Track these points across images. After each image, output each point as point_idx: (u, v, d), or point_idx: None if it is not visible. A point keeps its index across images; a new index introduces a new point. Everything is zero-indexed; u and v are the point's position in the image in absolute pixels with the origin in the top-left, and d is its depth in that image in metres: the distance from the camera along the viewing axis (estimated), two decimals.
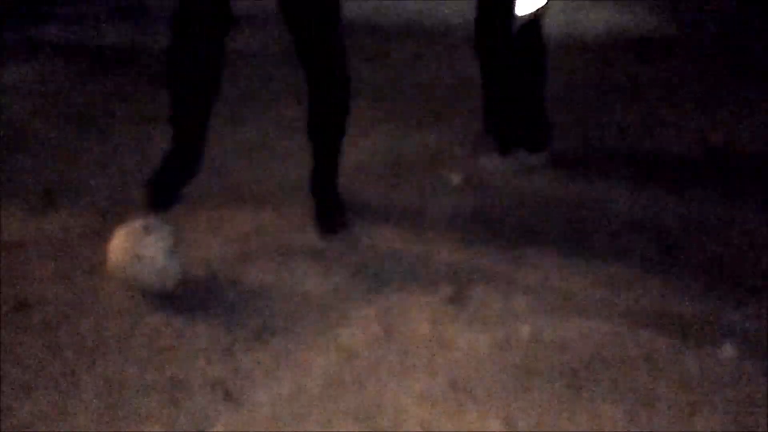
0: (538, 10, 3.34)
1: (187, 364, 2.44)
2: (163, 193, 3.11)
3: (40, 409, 2.27)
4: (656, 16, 6.19)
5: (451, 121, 4.15)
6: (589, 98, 4.52)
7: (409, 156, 3.80)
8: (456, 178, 3.55)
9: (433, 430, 2.17)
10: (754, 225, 3.17)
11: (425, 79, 4.84)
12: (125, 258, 2.71)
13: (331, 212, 3.11)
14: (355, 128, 4.08)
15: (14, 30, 6.34)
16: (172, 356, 2.48)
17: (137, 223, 2.76)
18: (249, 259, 2.98)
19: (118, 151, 3.93)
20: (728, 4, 6.41)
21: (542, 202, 3.36)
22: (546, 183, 3.52)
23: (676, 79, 4.75)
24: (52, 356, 2.50)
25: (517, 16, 3.34)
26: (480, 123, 3.78)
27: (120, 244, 2.73)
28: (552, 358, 2.46)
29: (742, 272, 2.86)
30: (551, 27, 5.89)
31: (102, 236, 3.06)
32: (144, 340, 2.56)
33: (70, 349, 2.53)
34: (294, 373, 2.40)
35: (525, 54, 3.47)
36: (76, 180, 3.63)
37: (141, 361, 2.46)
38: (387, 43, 5.58)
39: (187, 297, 2.77)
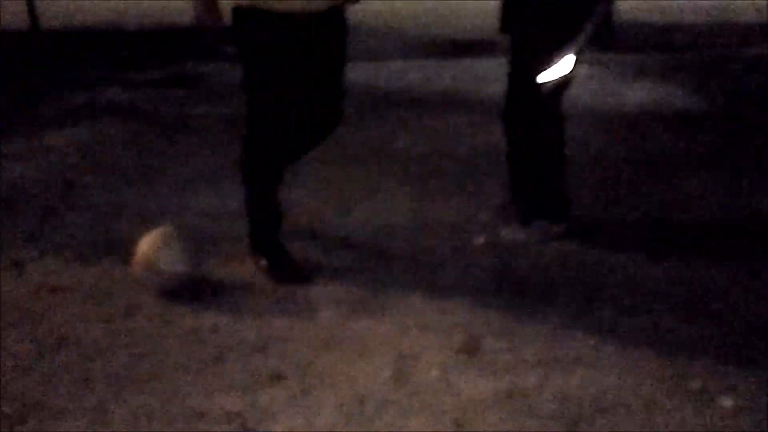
0: (561, 78, 3.48)
1: (209, 398, 2.60)
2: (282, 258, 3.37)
3: None
4: (692, 92, 6.33)
5: (477, 188, 4.32)
6: (620, 168, 4.64)
7: (434, 219, 3.96)
8: (478, 241, 3.70)
9: None
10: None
11: (454, 148, 5.03)
12: (151, 246, 3.19)
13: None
14: (384, 191, 4.31)
15: (79, 92, 6.73)
16: (194, 390, 2.64)
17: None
18: (271, 302, 3.15)
19: (161, 207, 4.16)
20: (761, 81, 6.55)
21: (560, 265, 3.47)
22: (565, 248, 3.63)
23: (706, 153, 4.86)
24: (84, 387, 2.67)
25: (542, 85, 3.48)
26: (504, 192, 3.94)
27: (148, 239, 3.22)
28: (554, 406, 2.56)
29: (745, 329, 2.94)
30: (593, 100, 6.14)
31: (140, 285, 3.27)
32: (170, 376, 2.72)
33: (102, 382, 2.70)
34: (308, 411, 2.54)
35: (547, 125, 3.62)
36: (120, 232, 3.86)
37: (166, 394, 2.62)
38: (421, 113, 5.82)
39: (212, 338, 2.94)
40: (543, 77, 3.46)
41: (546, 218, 3.71)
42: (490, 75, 6.92)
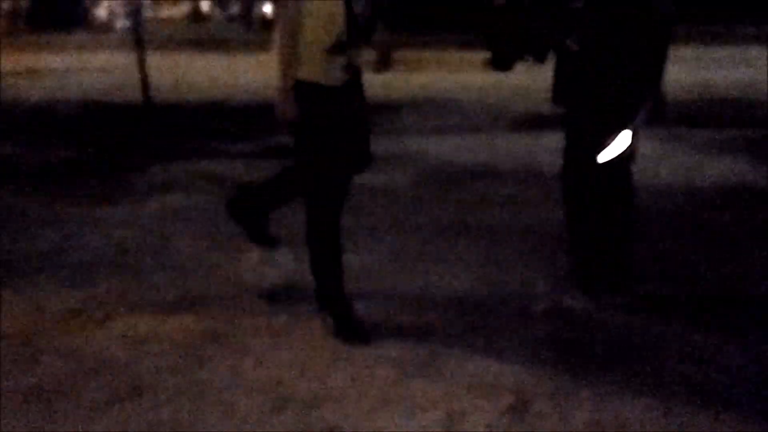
0: (622, 153, 3.57)
1: None
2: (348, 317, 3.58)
3: None
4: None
5: (545, 258, 4.42)
6: (692, 242, 4.67)
7: (498, 286, 4.08)
8: (537, 308, 3.80)
9: None
10: None
11: (526, 218, 5.15)
12: None
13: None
14: (454, 259, 4.45)
15: (179, 162, 7.13)
16: None
17: None
18: (335, 359, 3.31)
19: (242, 268, 4.40)
20: None
21: (617, 335, 3.52)
22: (625, 319, 3.68)
23: None
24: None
25: (601, 160, 3.58)
26: (566, 263, 4.03)
27: None
28: None
29: None
30: (673, 176, 6.18)
31: (219, 338, 3.50)
32: (232, 424, 2.89)
33: (168, 426, 2.89)
34: None
35: (612, 198, 3.70)
36: (202, 290, 4.10)
37: None
38: (497, 185, 5.98)
39: (276, 389, 3.11)
40: (603, 155, 3.55)
41: (610, 289, 3.76)
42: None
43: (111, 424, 2.91)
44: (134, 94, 10.21)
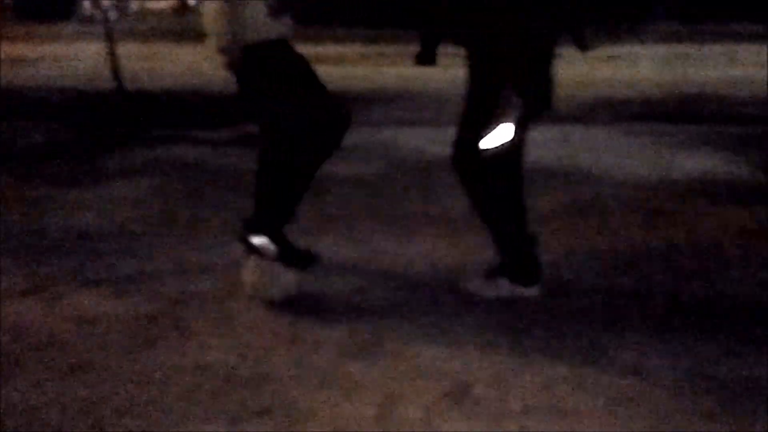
0: (503, 144, 3.56)
1: (198, 427, 2.75)
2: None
3: None
4: (743, 163, 6.35)
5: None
6: (653, 237, 4.69)
7: (452, 275, 4.07)
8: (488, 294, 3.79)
9: None
10: None
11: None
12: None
13: None
14: (420, 244, 4.45)
15: (149, 148, 7.11)
16: (187, 420, 2.78)
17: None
18: (277, 341, 3.30)
19: (201, 255, 4.39)
20: None
21: (565, 322, 3.52)
22: (579, 306, 3.69)
23: (743, 224, 4.87)
24: (87, 411, 2.86)
25: (482, 147, 3.58)
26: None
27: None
28: None
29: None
30: (641, 169, 6.20)
31: (165, 319, 3.49)
32: (169, 405, 2.88)
33: (106, 406, 2.88)
34: None
35: (497, 188, 3.69)
36: (153, 273, 4.10)
37: (160, 422, 2.78)
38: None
39: (217, 372, 3.10)
40: (484, 143, 3.58)
41: (510, 279, 3.75)
42: (537, 142, 7.03)
43: (50, 398, 2.90)
44: (110, 83, 10.19)
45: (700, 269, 4.19)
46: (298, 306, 3.69)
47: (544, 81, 3.66)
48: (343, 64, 13.44)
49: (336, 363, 3.15)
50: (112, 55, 10.11)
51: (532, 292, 3.75)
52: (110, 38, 10.27)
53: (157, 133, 7.90)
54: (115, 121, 8.51)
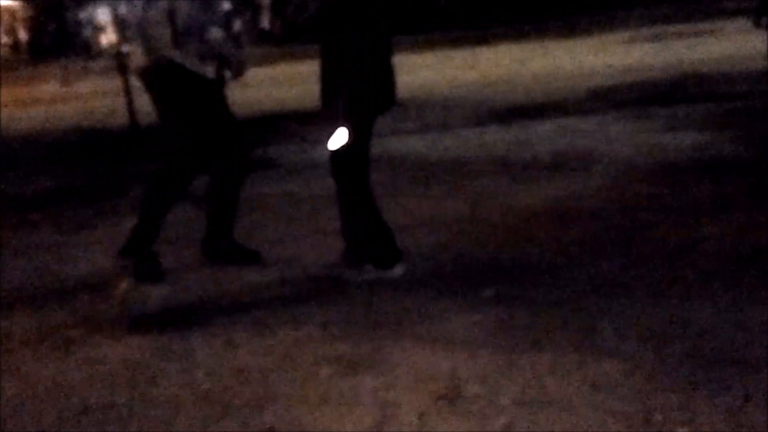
0: (348, 143, 3.97)
1: None
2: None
3: None
4: (733, 140, 6.40)
5: (494, 247, 4.55)
6: (644, 217, 4.76)
7: (448, 275, 4.16)
8: (489, 292, 3.90)
9: None
10: None
11: (490, 209, 5.26)
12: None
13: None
14: (413, 256, 4.50)
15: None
16: None
17: None
18: (275, 361, 3.42)
19: (220, 277, 4.51)
20: None
21: (555, 311, 3.63)
22: (562, 297, 3.80)
23: (730, 197, 4.93)
24: None
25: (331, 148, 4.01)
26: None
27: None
28: None
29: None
30: (634, 151, 6.27)
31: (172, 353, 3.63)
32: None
33: None
34: None
35: (350, 181, 4.09)
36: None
37: None
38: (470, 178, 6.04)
39: (220, 398, 3.22)
40: (330, 144, 4.02)
41: (374, 264, 4.10)
42: (540, 137, 7.15)
43: None
44: (121, 117, 10.39)
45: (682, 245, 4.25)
46: (297, 323, 3.81)
47: (385, 78, 4.06)
48: None
49: (334, 378, 3.26)
50: (127, 90, 10.17)
51: (395, 273, 4.09)
52: (124, 73, 10.31)
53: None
54: (129, 160, 8.66)
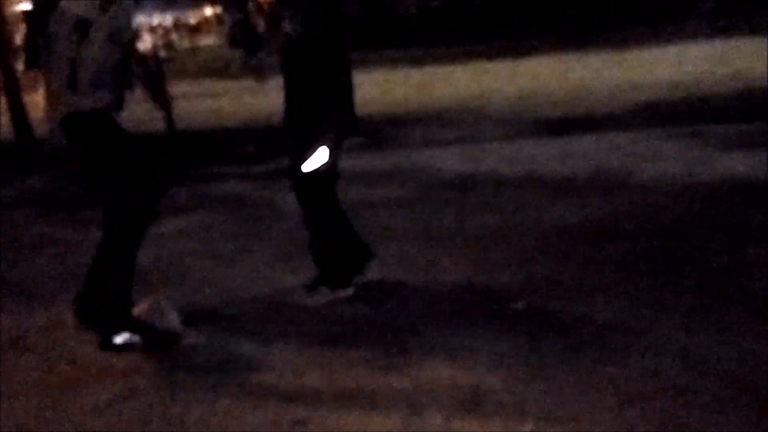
0: (321, 166, 4.08)
1: None
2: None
3: None
4: None
5: (524, 261, 4.66)
6: (685, 239, 4.80)
7: (479, 286, 4.25)
8: (516, 306, 3.98)
9: None
10: None
11: (517, 223, 5.35)
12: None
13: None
14: (441, 263, 4.68)
15: (200, 185, 7.39)
16: None
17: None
18: (309, 359, 3.53)
19: (240, 282, 4.65)
20: None
21: (582, 328, 3.71)
22: (593, 313, 3.85)
23: None
24: None
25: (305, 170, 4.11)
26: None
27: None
28: None
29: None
30: (683, 170, 6.14)
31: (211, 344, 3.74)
32: (215, 420, 3.11)
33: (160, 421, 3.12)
34: None
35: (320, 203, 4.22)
36: (200, 303, 4.36)
37: None
38: (500, 192, 6.16)
39: (252, 390, 3.32)
40: (305, 166, 4.13)
41: (329, 286, 4.18)
42: (580, 152, 7.16)
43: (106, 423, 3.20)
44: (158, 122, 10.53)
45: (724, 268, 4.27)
46: (330, 326, 3.93)
47: (348, 104, 4.18)
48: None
49: (365, 378, 3.37)
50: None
51: (348, 292, 4.20)
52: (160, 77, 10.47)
53: (209, 170, 8.20)
54: (167, 163, 8.78)
